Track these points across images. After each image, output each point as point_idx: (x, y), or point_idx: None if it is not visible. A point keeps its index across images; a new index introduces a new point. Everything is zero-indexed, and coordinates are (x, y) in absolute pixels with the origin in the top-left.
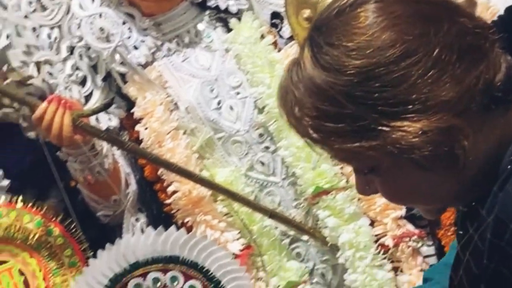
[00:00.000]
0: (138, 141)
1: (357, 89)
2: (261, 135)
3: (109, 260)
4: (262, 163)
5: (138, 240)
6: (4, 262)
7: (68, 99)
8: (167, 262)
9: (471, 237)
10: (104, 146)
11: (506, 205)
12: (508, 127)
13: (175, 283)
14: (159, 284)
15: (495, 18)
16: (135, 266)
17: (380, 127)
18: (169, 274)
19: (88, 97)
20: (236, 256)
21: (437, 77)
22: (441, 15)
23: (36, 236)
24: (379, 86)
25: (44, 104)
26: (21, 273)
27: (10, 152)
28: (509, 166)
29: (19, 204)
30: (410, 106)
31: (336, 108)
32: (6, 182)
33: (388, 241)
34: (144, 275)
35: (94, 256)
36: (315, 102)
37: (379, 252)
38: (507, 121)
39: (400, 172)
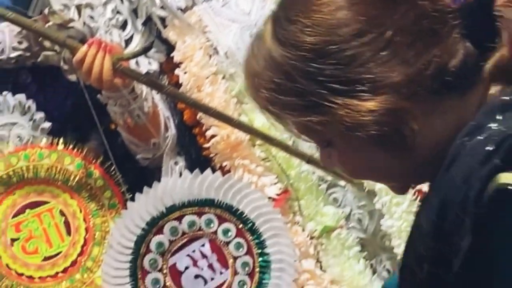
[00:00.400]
0: (178, 85)
1: (309, 65)
2: None
3: (146, 203)
4: None
5: (175, 183)
6: (46, 202)
7: (108, 42)
8: (202, 205)
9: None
10: (143, 89)
11: (449, 187)
12: (465, 111)
13: (210, 226)
14: (194, 227)
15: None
16: (172, 209)
17: (329, 104)
18: (204, 217)
19: (128, 41)
20: (273, 200)
21: (387, 59)
22: None
23: (77, 178)
24: (331, 63)
25: (84, 47)
26: (62, 214)
27: (51, 95)
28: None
29: (60, 146)
30: (359, 86)
31: (290, 82)
32: (47, 125)
33: (425, 188)
34: (179, 218)
35: (133, 198)
36: (271, 75)
37: (415, 198)
38: (464, 105)
39: (352, 148)
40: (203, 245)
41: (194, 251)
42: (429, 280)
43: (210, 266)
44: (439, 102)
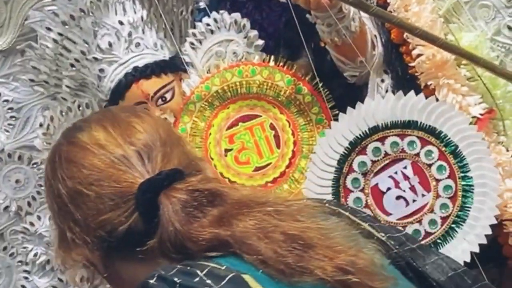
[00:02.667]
0: (385, 4)
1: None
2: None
3: (349, 123)
4: (510, 28)
5: (378, 104)
6: (257, 116)
7: None
8: (405, 127)
9: None
10: (350, 9)
11: None
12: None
13: (413, 148)
14: (396, 148)
15: None
16: (374, 130)
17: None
18: (407, 139)
19: None
20: (477, 120)
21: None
22: None
23: (287, 94)
24: None
25: None
26: (272, 127)
27: (267, 13)
28: None
29: (272, 63)
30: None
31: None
32: (260, 42)
33: None
34: (382, 139)
35: (339, 114)
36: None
37: None
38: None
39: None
40: (405, 167)
41: (396, 172)
42: None
43: (412, 188)
44: (118, 258)
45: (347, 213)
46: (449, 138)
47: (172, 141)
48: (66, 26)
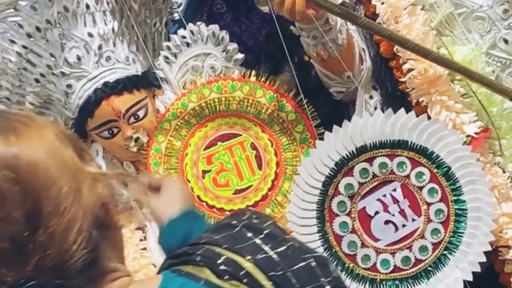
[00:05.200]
0: (374, 15)
1: None
2: (505, 11)
3: (336, 142)
4: (506, 41)
5: (366, 122)
6: (237, 135)
7: None
8: (394, 147)
9: None
10: (338, 21)
11: None
12: None
13: (403, 169)
14: (385, 170)
15: None
16: (362, 150)
17: None
18: (396, 160)
19: None
20: (471, 139)
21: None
22: None
23: (269, 111)
24: None
25: None
26: (253, 147)
27: (246, 25)
28: None
29: (253, 78)
30: None
31: None
32: (240, 56)
33: None
34: (370, 160)
35: (325, 133)
36: None
37: None
38: None
39: None
40: (394, 190)
41: (385, 195)
42: None
43: (402, 212)
44: None
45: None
46: (441, 159)
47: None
48: (31, 39)
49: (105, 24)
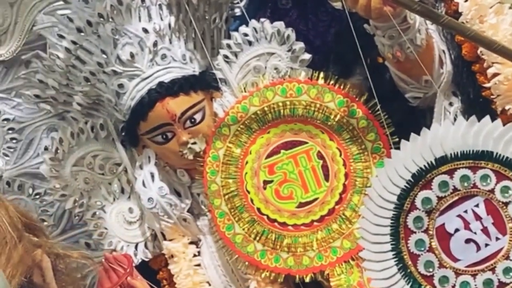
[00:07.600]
0: (456, 14)
1: None
2: None
3: (413, 152)
4: None
5: (447, 131)
6: (303, 143)
7: None
8: (478, 158)
9: None
10: (416, 19)
11: None
12: None
13: (486, 183)
14: (467, 183)
15: None
16: (442, 161)
17: None
18: (480, 172)
19: None
20: None
21: None
22: None
23: (338, 117)
24: None
25: None
26: (320, 156)
27: (313, 23)
28: None
29: (321, 81)
30: None
31: None
32: (307, 56)
33: None
34: (451, 172)
35: (399, 141)
36: None
37: None
38: None
39: None
40: (477, 205)
41: (466, 211)
42: None
43: (485, 230)
44: None
45: None
46: None
47: None
48: (82, 34)
49: (161, 19)
